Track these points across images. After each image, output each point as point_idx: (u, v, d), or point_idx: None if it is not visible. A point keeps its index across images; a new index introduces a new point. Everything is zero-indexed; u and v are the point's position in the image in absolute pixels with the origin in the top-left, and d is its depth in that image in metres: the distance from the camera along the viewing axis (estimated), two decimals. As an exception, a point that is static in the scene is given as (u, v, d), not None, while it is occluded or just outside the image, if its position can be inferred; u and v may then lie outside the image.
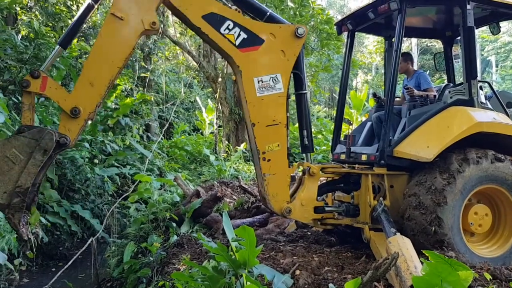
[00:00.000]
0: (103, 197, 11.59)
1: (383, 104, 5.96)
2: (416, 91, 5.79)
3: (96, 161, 11.62)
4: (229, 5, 4.52)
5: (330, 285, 3.60)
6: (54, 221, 9.36)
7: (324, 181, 5.76)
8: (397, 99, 6.26)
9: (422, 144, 4.88)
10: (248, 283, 3.13)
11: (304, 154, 5.19)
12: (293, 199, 4.99)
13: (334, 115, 7.46)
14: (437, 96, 5.81)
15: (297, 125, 6.03)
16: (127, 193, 10.02)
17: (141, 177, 9.12)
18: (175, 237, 7.26)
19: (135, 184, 10.97)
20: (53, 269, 8.36)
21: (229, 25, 4.32)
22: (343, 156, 5.80)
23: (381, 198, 4.97)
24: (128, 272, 6.91)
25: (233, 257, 3.37)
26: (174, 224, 7.71)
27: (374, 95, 6.51)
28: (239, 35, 4.33)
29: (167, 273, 6.07)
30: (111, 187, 11.65)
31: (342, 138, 6.33)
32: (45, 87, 3.97)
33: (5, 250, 6.83)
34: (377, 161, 5.11)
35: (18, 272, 8.01)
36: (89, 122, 4.25)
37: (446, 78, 6.96)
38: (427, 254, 2.96)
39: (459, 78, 6.42)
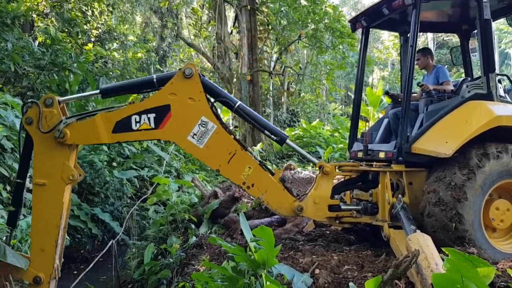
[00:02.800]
0: (122, 200, 11.71)
1: (400, 101, 5.90)
2: (430, 86, 5.73)
3: (114, 164, 11.75)
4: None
5: (351, 284, 3.58)
6: (74, 224, 9.50)
7: (342, 180, 5.74)
8: (414, 95, 6.20)
9: (441, 139, 4.82)
10: (268, 283, 3.13)
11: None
12: (305, 197, 4.99)
13: (350, 112, 7.42)
14: (454, 90, 5.73)
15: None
16: (146, 195, 10.12)
17: (159, 179, 9.19)
18: (194, 238, 7.30)
19: (154, 186, 11.08)
20: (75, 272, 8.48)
21: (135, 119, 4.25)
22: (360, 154, 5.76)
23: (400, 196, 4.92)
24: (148, 273, 6.98)
25: (252, 257, 3.38)
26: (193, 225, 7.76)
27: (387, 93, 6.46)
28: (148, 118, 4.26)
29: (187, 274, 6.11)
30: (130, 189, 11.77)
31: (359, 136, 6.30)
32: (7, 269, 4.10)
33: (28, 254, 6.94)
34: (395, 158, 5.06)
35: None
36: (53, 282, 4.28)
37: (463, 72, 6.86)
38: (447, 252, 2.94)
39: (477, 72, 6.32)
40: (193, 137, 4.35)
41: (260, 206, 8.32)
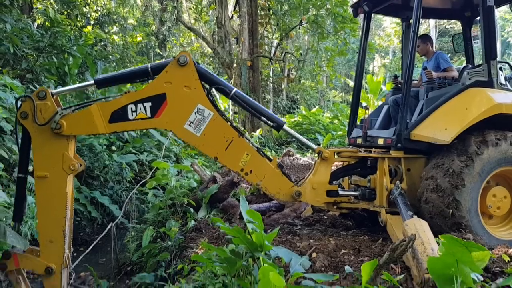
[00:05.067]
0: (121, 184, 11.75)
1: (400, 87, 5.89)
2: (434, 73, 5.71)
3: (113, 148, 11.77)
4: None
5: (347, 267, 3.62)
6: (74, 207, 9.53)
7: (340, 166, 5.76)
8: (414, 81, 6.19)
9: (440, 126, 4.83)
10: (265, 265, 3.16)
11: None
12: (303, 182, 5.01)
13: (350, 100, 7.41)
14: (457, 76, 5.71)
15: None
16: (145, 180, 10.15)
17: (159, 163, 9.21)
18: (193, 222, 7.35)
19: (153, 170, 11.10)
20: (74, 254, 8.52)
21: (131, 108, 4.24)
22: (359, 140, 5.78)
23: (397, 182, 4.95)
24: (147, 256, 7.04)
25: (250, 239, 3.40)
26: (192, 210, 7.80)
27: (395, 77, 6.44)
28: (144, 107, 4.25)
29: (186, 257, 6.17)
30: (129, 173, 11.81)
31: (358, 123, 6.30)
32: (18, 262, 4.18)
33: (28, 236, 7.00)
34: (394, 144, 5.07)
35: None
36: (65, 271, 4.38)
37: (464, 60, 6.83)
38: (442, 239, 2.96)
39: (479, 60, 6.30)
40: (189, 125, 4.34)
41: (258, 191, 8.35)
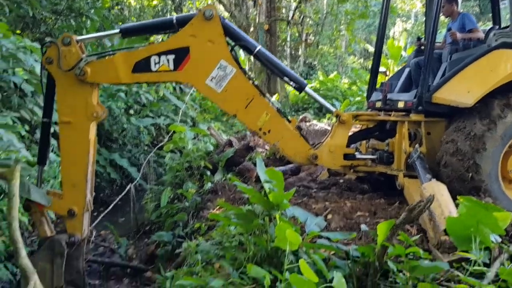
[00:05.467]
0: (139, 147, 11.90)
1: (423, 49, 5.73)
2: (459, 34, 5.52)
3: (131, 111, 11.84)
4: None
5: (362, 225, 3.63)
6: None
7: (358, 129, 5.71)
8: (438, 44, 6.00)
9: (463, 89, 4.70)
10: (280, 223, 3.18)
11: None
12: (320, 146, 4.98)
13: (370, 66, 7.25)
14: (482, 37, 5.52)
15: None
16: (163, 143, 10.25)
17: (176, 127, 9.26)
18: (209, 184, 7.43)
19: (170, 134, 11.18)
20: (95, 214, 8.74)
21: (154, 60, 4.22)
22: (378, 104, 5.68)
23: (417, 145, 4.88)
24: (165, 216, 7.18)
25: (266, 199, 3.42)
26: (208, 172, 7.88)
27: (418, 38, 6.26)
28: (167, 60, 4.23)
29: (202, 218, 6.28)
30: (147, 137, 11.92)
31: (378, 86, 6.18)
32: (42, 206, 4.33)
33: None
34: (415, 107, 4.97)
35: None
36: (87, 215, 4.53)
37: (491, 23, 6.58)
38: (461, 200, 2.94)
39: (506, 22, 6.07)
40: (211, 81, 4.32)
41: (274, 155, 8.37)
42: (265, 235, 3.45)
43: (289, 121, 4.69)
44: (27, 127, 7.15)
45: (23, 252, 2.67)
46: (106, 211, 7.76)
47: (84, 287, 4.81)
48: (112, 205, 8.06)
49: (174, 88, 14.14)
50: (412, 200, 4.51)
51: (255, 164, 7.84)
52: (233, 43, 4.43)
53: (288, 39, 23.95)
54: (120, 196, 8.71)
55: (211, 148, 9.12)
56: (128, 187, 8.62)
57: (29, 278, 2.66)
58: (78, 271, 4.78)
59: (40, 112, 7.71)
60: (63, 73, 4.10)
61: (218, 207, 5.83)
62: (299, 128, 4.77)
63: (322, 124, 11.05)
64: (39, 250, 4.51)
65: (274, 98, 15.04)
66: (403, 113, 5.18)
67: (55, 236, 4.51)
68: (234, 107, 4.48)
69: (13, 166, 2.82)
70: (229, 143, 8.58)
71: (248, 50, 4.57)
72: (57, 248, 4.40)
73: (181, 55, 4.23)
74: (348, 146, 5.12)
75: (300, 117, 11.31)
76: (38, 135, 7.70)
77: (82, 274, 4.82)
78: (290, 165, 7.26)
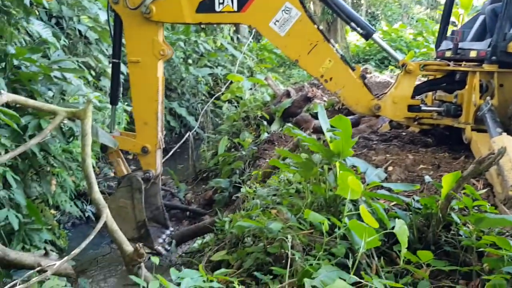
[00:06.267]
0: (197, 97, 12.09)
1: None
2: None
3: (190, 61, 11.97)
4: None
5: (426, 177, 3.53)
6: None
7: (425, 80, 5.46)
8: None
9: (543, 38, 4.32)
10: (342, 171, 3.15)
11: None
12: (384, 96, 4.83)
13: (438, 16, 6.77)
14: None
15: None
16: (220, 93, 10.35)
17: (233, 77, 9.30)
18: (266, 134, 7.49)
19: (227, 85, 11.26)
20: (155, 159, 9.12)
21: (219, 0, 4.16)
22: (448, 53, 5.35)
23: (488, 98, 4.60)
24: (222, 164, 7.36)
25: (326, 148, 3.39)
26: (265, 123, 7.91)
27: None
28: (232, 0, 4.16)
29: (258, 166, 6.37)
30: (204, 87, 12.07)
31: (448, 34, 5.81)
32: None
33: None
34: (488, 57, 4.64)
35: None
36: (159, 152, 4.83)
37: None
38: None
39: None
40: (275, 24, 4.25)
41: (333, 106, 8.24)
42: (323, 184, 3.46)
43: (353, 69, 4.55)
44: (93, 73, 7.43)
45: (96, 187, 2.84)
46: (165, 158, 8.05)
47: (166, 222, 5.15)
48: (172, 152, 8.36)
49: (232, 38, 14.07)
50: (479, 154, 4.30)
51: (312, 116, 7.76)
52: None
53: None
54: (179, 144, 9.01)
55: (268, 98, 9.10)
56: (186, 135, 8.88)
57: (101, 211, 2.84)
58: (157, 208, 5.20)
59: (104, 60, 7.97)
60: (130, 12, 4.21)
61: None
62: (363, 77, 4.62)
63: (384, 76, 10.68)
64: (118, 188, 4.87)
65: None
66: (475, 63, 4.87)
67: (132, 173, 4.81)
68: (297, 52, 4.40)
69: (85, 105, 2.96)
70: (287, 94, 8.51)
71: None
72: (135, 184, 4.67)
73: None
74: (413, 97, 4.94)
75: (361, 68, 10.97)
76: (103, 81, 8.01)
77: (162, 210, 5.22)
78: (350, 117, 7.09)
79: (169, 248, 5.07)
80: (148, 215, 4.85)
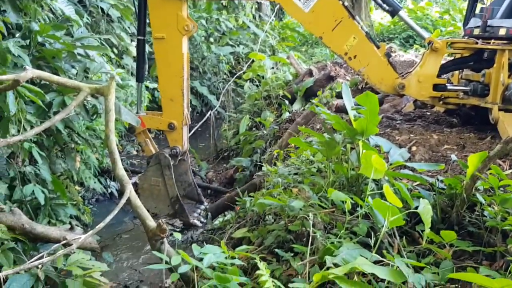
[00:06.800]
0: (218, 76, 12.07)
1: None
2: None
3: (211, 40, 11.91)
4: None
5: (452, 156, 3.46)
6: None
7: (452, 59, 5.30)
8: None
9: None
10: (365, 150, 3.11)
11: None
12: (409, 75, 4.73)
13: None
14: None
15: None
16: (242, 71, 10.29)
17: (255, 55, 9.21)
18: (287, 114, 7.45)
19: (248, 63, 11.18)
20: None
21: None
22: (477, 31, 5.17)
23: (516, 77, 4.46)
24: (243, 143, 7.37)
25: (350, 126, 3.34)
26: (287, 102, 7.86)
27: None
28: None
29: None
30: (226, 66, 12.02)
31: (477, 11, 5.61)
32: (144, 124, 4.77)
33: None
34: (519, 35, 4.49)
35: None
36: (185, 128, 4.93)
37: None
38: None
39: None
40: (299, 0, 4.19)
41: (356, 86, 8.11)
42: (346, 163, 3.42)
43: (378, 47, 4.46)
44: (115, 51, 7.47)
45: (119, 164, 2.88)
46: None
47: (200, 197, 5.27)
48: (193, 131, 8.40)
49: (254, 17, 13.92)
50: (506, 134, 4.20)
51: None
52: None
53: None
54: (200, 123, 9.05)
55: (290, 77, 9.03)
56: (208, 114, 8.90)
57: (125, 187, 2.87)
58: (189, 184, 5.37)
59: (126, 38, 8.01)
60: None
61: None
62: (387, 55, 4.53)
63: (409, 55, 10.42)
64: (148, 167, 5.01)
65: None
66: (504, 41, 4.71)
67: (159, 151, 4.95)
68: (321, 29, 4.35)
69: (109, 82, 2.98)
70: (309, 73, 8.42)
71: None
72: (163, 161, 4.80)
73: None
74: (439, 76, 4.82)
75: (386, 47, 10.73)
76: (125, 60, 8.05)
77: (194, 186, 5.38)
78: (372, 96, 7.00)
79: (205, 220, 5.19)
80: (181, 193, 5.00)
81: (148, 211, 4.26)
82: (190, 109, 10.75)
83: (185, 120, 4.79)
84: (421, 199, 2.43)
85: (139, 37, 4.71)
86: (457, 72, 5.32)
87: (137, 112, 4.88)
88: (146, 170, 5.04)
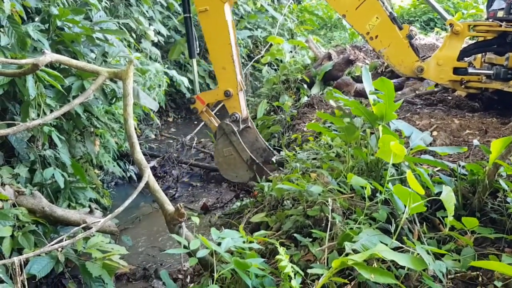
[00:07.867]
0: (236, 60, 11.99)
1: None
2: None
3: (229, 23, 11.82)
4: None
5: (475, 141, 3.39)
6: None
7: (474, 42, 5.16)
8: None
9: None
10: (384, 135, 3.06)
11: None
12: (429, 58, 4.64)
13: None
14: None
15: None
16: (260, 55, 10.21)
17: (273, 39, 9.11)
18: (306, 98, 7.38)
19: (266, 47, 11.07)
20: (195, 122, 9.23)
21: None
22: (501, 13, 5.02)
23: (544, 59, 4.32)
24: (261, 127, 7.34)
25: (369, 111, 3.29)
26: (305, 86, 7.79)
27: None
28: None
29: (298, 130, 6.32)
30: (244, 50, 11.93)
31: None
32: (203, 101, 5.12)
33: (156, 101, 7.61)
34: (546, 16, 4.34)
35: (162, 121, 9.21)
36: (241, 94, 5.21)
37: None
38: None
39: None
40: None
41: (375, 69, 7.99)
42: (365, 148, 3.38)
43: (401, 28, 4.39)
44: (134, 36, 7.48)
45: (138, 147, 2.89)
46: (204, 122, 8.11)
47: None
48: (214, 112, 8.39)
49: (272, 0, 13.74)
50: (532, 120, 4.10)
51: (354, 79, 7.57)
52: None
53: None
54: (218, 107, 9.03)
55: (309, 61, 8.91)
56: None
57: (143, 171, 2.89)
58: (264, 150, 5.60)
59: (145, 22, 8.00)
60: None
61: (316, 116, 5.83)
62: (409, 37, 4.45)
63: (429, 39, 10.21)
64: (216, 140, 5.27)
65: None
66: (531, 24, 4.56)
67: (221, 122, 5.24)
68: (344, 7, 4.38)
69: (127, 66, 2.98)
70: (328, 56, 8.31)
71: None
72: (226, 129, 5.09)
73: None
74: (460, 59, 4.70)
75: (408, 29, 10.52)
76: (143, 44, 8.06)
77: (269, 150, 5.60)
78: (393, 80, 6.86)
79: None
80: (259, 160, 5.20)
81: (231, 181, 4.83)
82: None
83: (240, 86, 5.02)
84: (444, 185, 2.38)
85: (185, 15, 4.95)
86: (479, 55, 5.19)
87: (193, 93, 5.21)
88: (216, 145, 5.27)
